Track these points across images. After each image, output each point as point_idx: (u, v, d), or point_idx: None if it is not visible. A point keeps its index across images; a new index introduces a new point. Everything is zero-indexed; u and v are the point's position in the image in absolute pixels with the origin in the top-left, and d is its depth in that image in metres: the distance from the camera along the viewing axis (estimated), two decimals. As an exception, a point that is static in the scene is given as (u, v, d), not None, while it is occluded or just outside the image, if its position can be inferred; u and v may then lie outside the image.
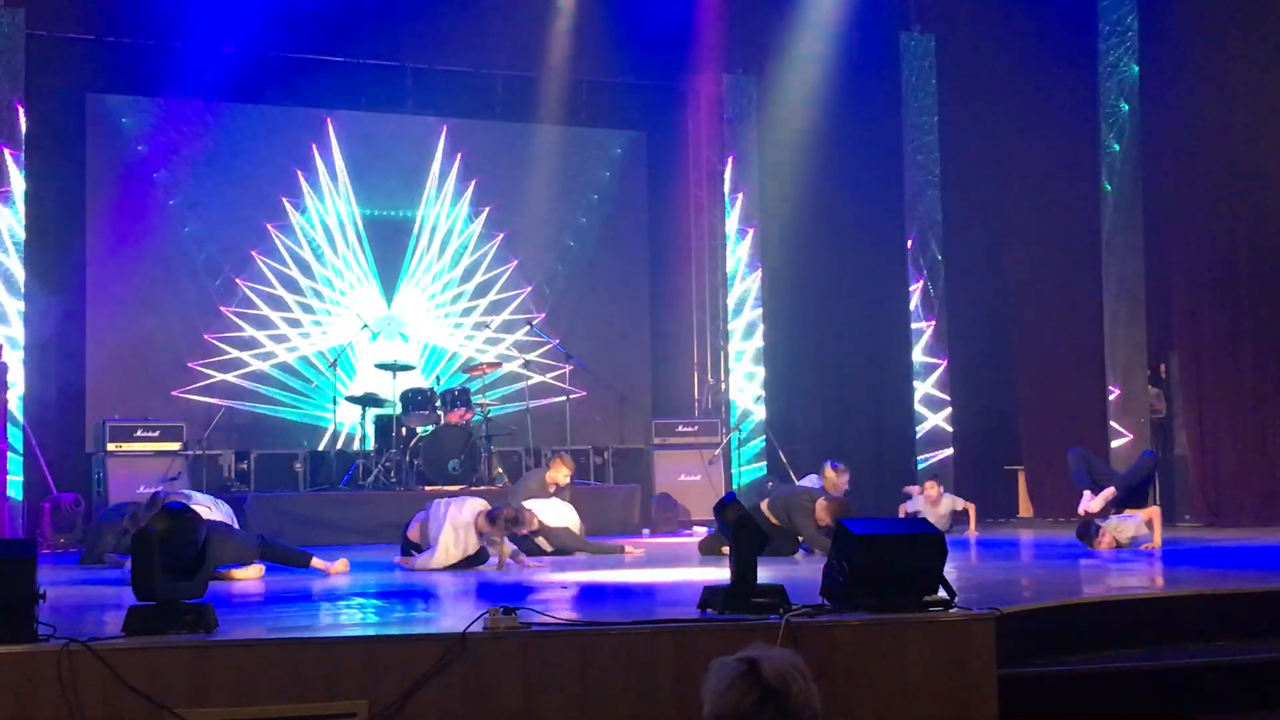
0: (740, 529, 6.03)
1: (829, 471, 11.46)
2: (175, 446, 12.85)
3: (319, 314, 15.15)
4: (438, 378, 14.78)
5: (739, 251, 15.93)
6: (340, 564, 9.06)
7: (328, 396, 14.40)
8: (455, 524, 9.39)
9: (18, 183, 12.98)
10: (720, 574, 6.13)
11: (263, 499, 12.71)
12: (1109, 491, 10.39)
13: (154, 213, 14.41)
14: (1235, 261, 12.80)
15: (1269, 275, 12.55)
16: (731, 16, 15.19)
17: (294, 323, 15.04)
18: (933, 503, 12.53)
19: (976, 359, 15.06)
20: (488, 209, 15.81)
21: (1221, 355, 12.84)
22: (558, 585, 8.26)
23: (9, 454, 11.95)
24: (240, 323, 14.76)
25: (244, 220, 14.85)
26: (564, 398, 14.65)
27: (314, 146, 15.22)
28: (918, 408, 15.04)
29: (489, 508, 9.53)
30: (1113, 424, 13.36)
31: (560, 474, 11.62)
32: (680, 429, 14.86)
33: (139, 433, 12.82)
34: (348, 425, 14.42)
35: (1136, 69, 13.33)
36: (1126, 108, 13.37)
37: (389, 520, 12.26)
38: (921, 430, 15.05)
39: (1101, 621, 6.57)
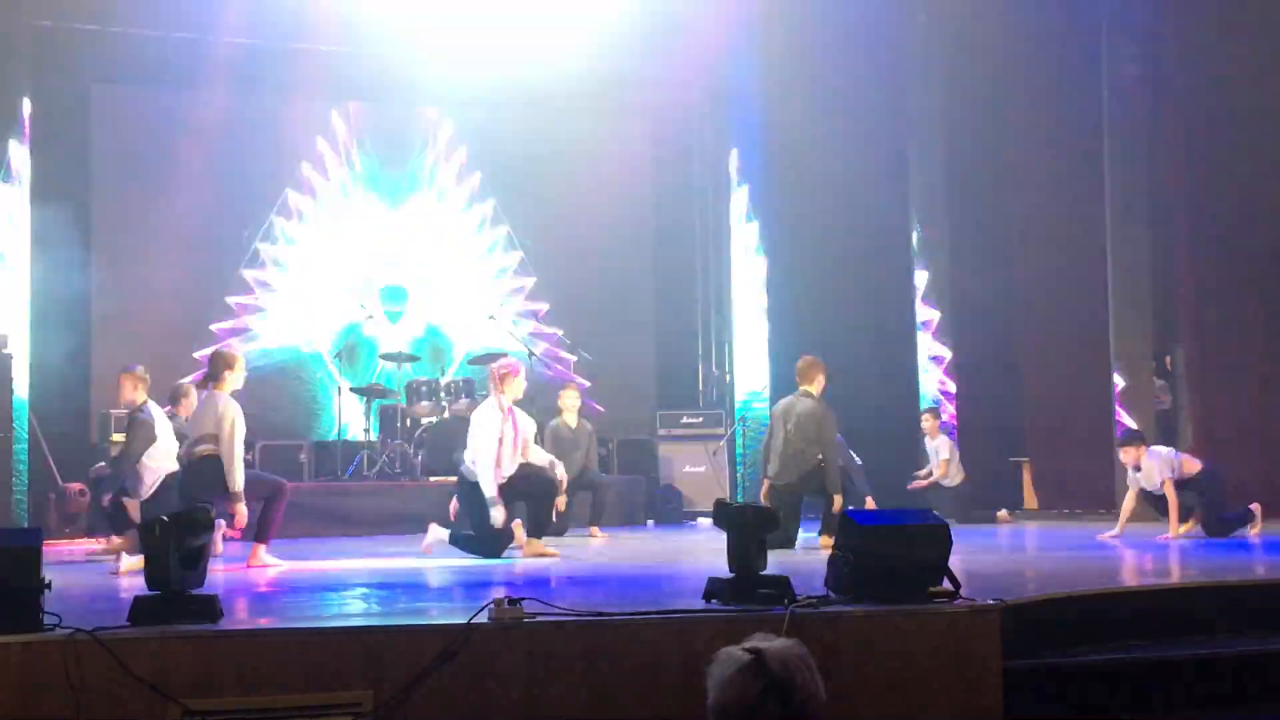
0: (742, 520, 6.02)
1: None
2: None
3: (323, 304, 15.16)
4: (442, 368, 14.78)
5: (744, 242, 15.90)
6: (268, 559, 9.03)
7: (333, 386, 14.41)
8: (476, 423, 9.49)
9: (24, 173, 12.98)
10: (725, 564, 6.11)
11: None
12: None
13: (159, 204, 14.41)
14: (1240, 252, 12.78)
15: (1273, 266, 12.52)
16: (735, 4, 15.14)
17: (298, 312, 15.06)
18: (930, 434, 13.67)
19: (982, 350, 15.04)
20: (492, 200, 15.82)
21: (1227, 346, 12.83)
22: (562, 575, 8.26)
23: (14, 444, 11.98)
24: (244, 313, 14.78)
25: (249, 211, 14.88)
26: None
27: (318, 137, 15.23)
28: (923, 398, 15.02)
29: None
30: (1118, 416, 13.33)
31: (568, 399, 12.45)
32: (685, 420, 14.86)
33: (144, 423, 12.79)
34: (352, 416, 14.43)
35: (1142, 56, 13.29)
36: (1131, 98, 13.32)
37: (393, 511, 12.32)
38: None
39: (1107, 613, 6.56)
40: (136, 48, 14.25)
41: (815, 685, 2.86)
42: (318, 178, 15.22)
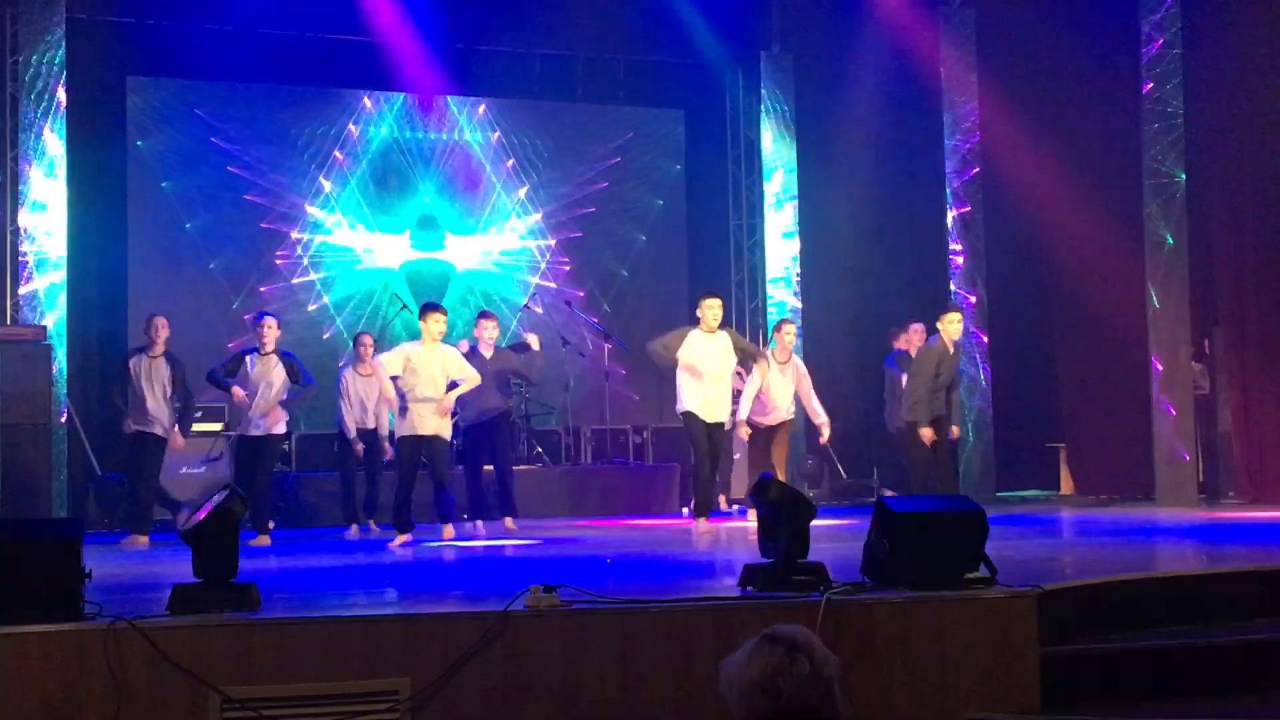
0: (788, 505, 6.01)
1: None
2: (217, 427, 12.94)
3: (359, 294, 15.19)
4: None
5: (776, 228, 15.87)
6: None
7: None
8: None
9: (60, 165, 13.06)
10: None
11: (305, 479, 12.85)
12: None
13: (194, 193, 14.49)
14: (1280, 231, 12.63)
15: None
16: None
17: (335, 301, 15.10)
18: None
19: (1017, 334, 14.96)
20: (525, 187, 15.82)
21: (1266, 330, 12.68)
22: (600, 560, 8.28)
23: (54, 434, 12.07)
24: (280, 301, 14.82)
25: (283, 200, 14.91)
26: (604, 377, 14.67)
27: (352, 127, 15.27)
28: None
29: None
30: (1156, 400, 13.22)
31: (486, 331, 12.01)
32: (720, 408, 14.79)
33: (182, 413, 12.88)
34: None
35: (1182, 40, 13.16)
36: (1168, 73, 13.18)
37: (428, 499, 12.31)
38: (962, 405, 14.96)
39: (1144, 599, 6.53)
40: (170, 40, 14.30)
41: (829, 655, 2.92)
42: (351, 165, 15.23)
